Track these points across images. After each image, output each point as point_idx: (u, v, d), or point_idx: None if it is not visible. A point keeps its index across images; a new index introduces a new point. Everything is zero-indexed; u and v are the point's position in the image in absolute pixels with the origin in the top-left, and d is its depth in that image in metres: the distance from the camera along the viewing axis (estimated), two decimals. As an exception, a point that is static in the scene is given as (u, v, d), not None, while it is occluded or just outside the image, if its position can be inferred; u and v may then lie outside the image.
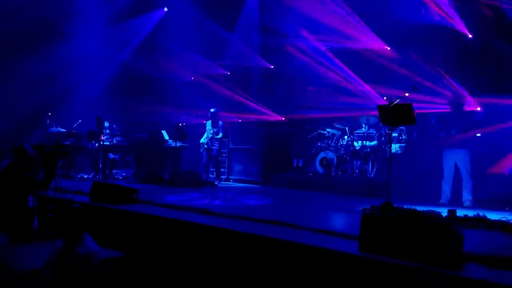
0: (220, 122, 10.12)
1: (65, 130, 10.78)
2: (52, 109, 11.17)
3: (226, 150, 11.11)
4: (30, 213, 5.64)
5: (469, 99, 7.92)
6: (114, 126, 10.69)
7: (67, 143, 10.26)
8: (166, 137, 11.19)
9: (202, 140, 10.24)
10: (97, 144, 10.09)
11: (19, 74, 11.50)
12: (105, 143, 10.12)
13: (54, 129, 10.69)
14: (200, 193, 8.10)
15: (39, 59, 11.38)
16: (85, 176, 10.12)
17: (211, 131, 10.01)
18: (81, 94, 11.93)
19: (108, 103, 11.94)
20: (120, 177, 10.30)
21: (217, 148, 10.11)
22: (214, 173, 10.35)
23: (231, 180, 10.39)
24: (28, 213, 5.61)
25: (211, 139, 10.00)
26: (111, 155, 10.30)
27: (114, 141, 10.43)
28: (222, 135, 10.16)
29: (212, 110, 10.11)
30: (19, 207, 5.63)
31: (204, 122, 10.67)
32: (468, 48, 8.35)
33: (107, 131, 10.36)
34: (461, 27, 8.57)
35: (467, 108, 7.74)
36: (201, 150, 10.30)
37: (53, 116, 10.99)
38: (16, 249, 5.11)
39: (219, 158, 10.31)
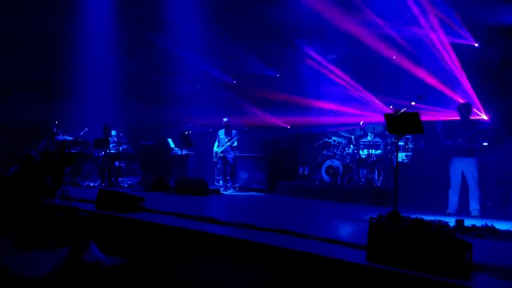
0: (234, 131, 10.30)
1: (71, 138, 10.84)
2: (59, 117, 11.24)
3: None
4: (37, 220, 5.65)
5: (477, 107, 7.90)
6: (121, 134, 10.73)
7: (73, 151, 10.32)
8: (172, 145, 11.22)
9: (215, 149, 10.35)
10: (103, 152, 10.13)
11: (26, 81, 11.61)
12: (111, 151, 10.16)
13: (61, 137, 10.74)
14: (206, 201, 8.09)
15: (45, 66, 11.50)
16: (91, 184, 10.14)
17: (226, 140, 10.13)
18: (88, 102, 12.00)
19: (114, 111, 12.00)
20: (126, 185, 10.32)
21: (233, 156, 10.24)
22: (230, 181, 10.39)
23: (236, 188, 10.39)
24: (34, 220, 5.63)
25: (227, 148, 10.15)
26: (117, 163, 10.33)
27: (121, 149, 10.47)
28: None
29: (225, 119, 10.25)
30: (26, 214, 5.65)
31: (210, 130, 10.67)
32: (476, 58, 8.36)
33: (115, 139, 10.41)
34: (467, 36, 8.59)
35: (474, 117, 7.71)
36: (215, 158, 10.41)
37: (60, 124, 11.05)
38: (22, 255, 5.11)
39: (234, 166, 10.38)
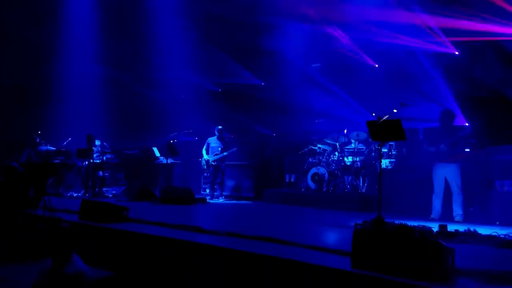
0: (226, 140, 10.31)
1: (54, 148, 10.69)
2: (41, 127, 11.09)
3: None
4: (20, 231, 5.56)
5: (458, 114, 8.03)
6: (105, 143, 10.63)
7: (56, 161, 10.18)
8: (157, 154, 11.15)
9: (206, 157, 10.24)
10: (86, 162, 10.00)
11: (7, 91, 11.45)
12: (95, 160, 10.03)
13: (44, 147, 10.59)
14: (192, 210, 8.04)
15: (28, 75, 11.36)
16: (75, 195, 9.99)
17: (219, 148, 10.08)
18: (71, 112, 11.87)
19: (98, 121, 11.88)
20: (110, 195, 10.18)
21: (225, 163, 10.21)
22: (218, 190, 10.33)
23: (223, 196, 10.35)
24: (17, 232, 5.53)
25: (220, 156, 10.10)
26: (101, 173, 10.20)
27: (105, 159, 10.36)
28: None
29: (219, 127, 10.22)
30: (8, 225, 5.55)
31: (196, 138, 10.59)
32: (455, 65, 8.52)
33: (98, 148, 10.29)
34: (448, 44, 8.75)
35: (455, 123, 7.84)
36: (205, 166, 10.31)
37: (43, 134, 10.90)
38: (4, 268, 5.02)
39: (224, 174, 10.36)
